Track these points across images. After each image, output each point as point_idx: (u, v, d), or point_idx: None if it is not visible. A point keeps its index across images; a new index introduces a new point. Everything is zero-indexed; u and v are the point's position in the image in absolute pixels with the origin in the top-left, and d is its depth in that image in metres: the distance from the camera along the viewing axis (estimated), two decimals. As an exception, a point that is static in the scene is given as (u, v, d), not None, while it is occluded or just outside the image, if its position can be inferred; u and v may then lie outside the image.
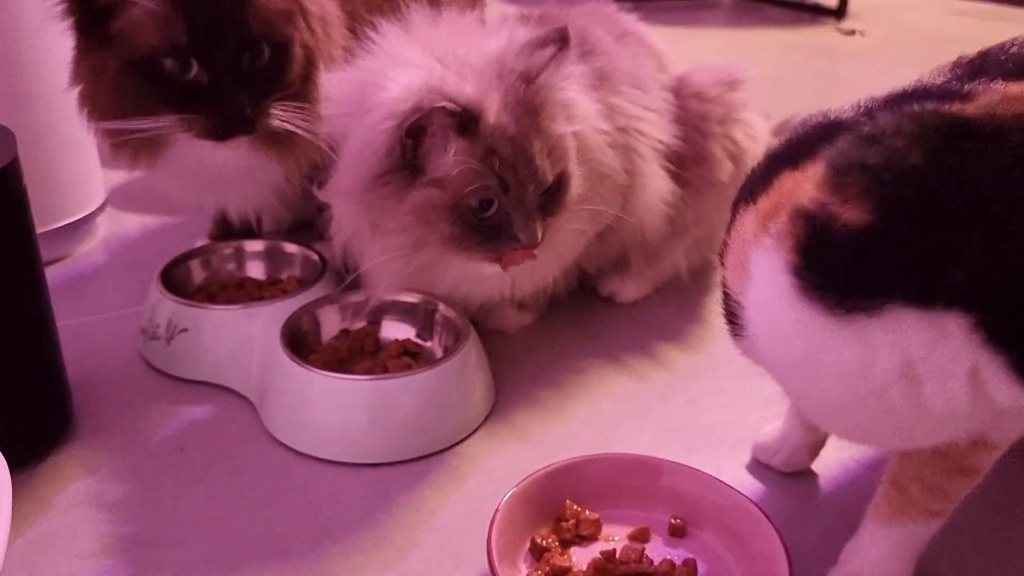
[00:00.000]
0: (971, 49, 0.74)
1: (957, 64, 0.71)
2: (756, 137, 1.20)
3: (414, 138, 0.88)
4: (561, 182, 0.93)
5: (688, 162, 1.13)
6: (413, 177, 0.89)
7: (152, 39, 0.94)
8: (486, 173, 0.88)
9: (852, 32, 2.70)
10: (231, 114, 0.96)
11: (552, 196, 0.93)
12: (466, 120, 0.87)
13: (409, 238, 0.92)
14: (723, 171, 1.15)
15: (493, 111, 0.88)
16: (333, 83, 1.00)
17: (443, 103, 0.85)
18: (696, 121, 1.13)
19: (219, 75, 0.95)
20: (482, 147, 0.87)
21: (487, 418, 0.99)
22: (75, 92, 1.04)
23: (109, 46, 0.96)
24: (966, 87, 0.63)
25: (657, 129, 1.09)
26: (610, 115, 1.03)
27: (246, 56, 0.97)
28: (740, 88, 1.18)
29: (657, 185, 1.09)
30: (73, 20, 0.97)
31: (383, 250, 0.94)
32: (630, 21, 1.17)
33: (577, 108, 0.97)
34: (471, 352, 0.98)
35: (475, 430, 0.97)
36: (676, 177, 1.12)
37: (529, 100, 0.90)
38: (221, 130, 0.97)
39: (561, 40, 0.91)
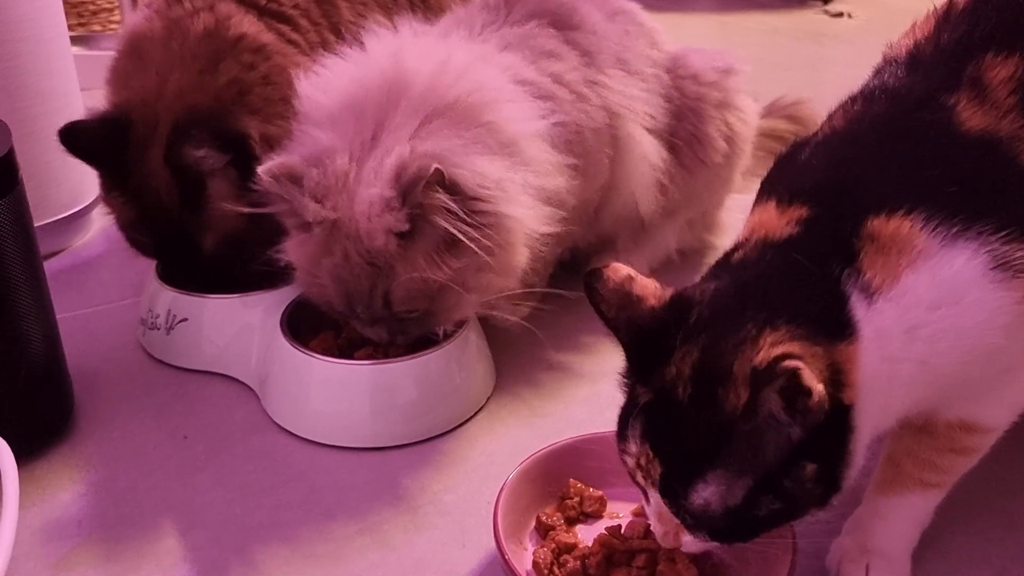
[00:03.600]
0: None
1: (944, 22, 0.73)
2: (748, 121, 1.22)
3: None
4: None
5: (683, 143, 1.14)
6: None
7: (127, 228, 1.06)
8: None
9: (840, 14, 2.70)
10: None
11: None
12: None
13: None
14: (718, 152, 1.17)
15: None
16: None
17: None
18: (693, 103, 1.15)
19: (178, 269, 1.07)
20: None
21: (488, 401, 1.00)
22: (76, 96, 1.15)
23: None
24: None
25: (641, 102, 1.10)
26: (593, 88, 1.04)
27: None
28: (735, 74, 1.20)
29: (646, 150, 1.10)
30: None
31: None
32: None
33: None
34: (471, 335, 0.99)
35: (476, 412, 0.98)
36: (669, 151, 1.13)
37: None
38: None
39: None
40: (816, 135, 0.74)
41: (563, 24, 1.05)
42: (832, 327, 0.61)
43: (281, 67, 1.04)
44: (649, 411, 0.64)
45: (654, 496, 0.65)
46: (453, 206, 0.84)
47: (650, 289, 0.67)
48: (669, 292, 0.67)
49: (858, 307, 0.61)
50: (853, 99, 0.74)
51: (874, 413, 0.62)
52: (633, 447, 0.65)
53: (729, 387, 0.59)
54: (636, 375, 0.66)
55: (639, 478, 0.66)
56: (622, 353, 0.67)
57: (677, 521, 0.65)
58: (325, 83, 0.94)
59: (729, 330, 0.61)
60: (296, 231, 0.92)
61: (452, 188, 0.85)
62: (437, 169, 0.83)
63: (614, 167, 1.08)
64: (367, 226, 0.85)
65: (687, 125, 1.14)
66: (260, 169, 0.88)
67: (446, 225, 0.85)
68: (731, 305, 0.63)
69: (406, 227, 0.85)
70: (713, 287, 0.66)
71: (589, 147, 1.03)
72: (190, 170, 0.98)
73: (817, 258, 0.63)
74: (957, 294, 0.61)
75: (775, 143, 1.41)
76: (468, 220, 0.86)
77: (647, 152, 1.10)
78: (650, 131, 1.10)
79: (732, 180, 1.24)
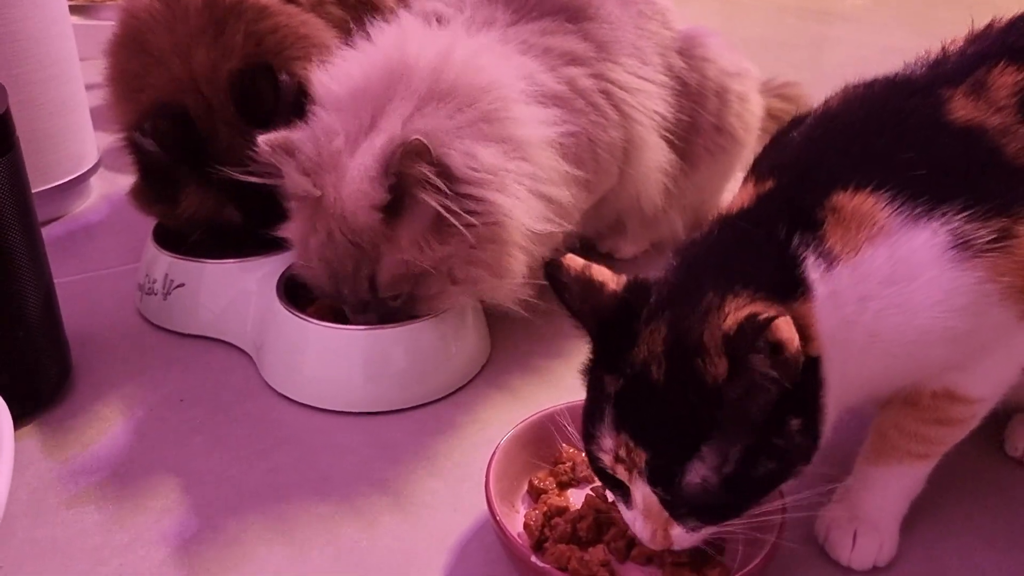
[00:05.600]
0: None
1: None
2: (758, 114, 1.24)
3: None
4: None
5: (708, 130, 1.15)
6: None
7: (209, 218, 1.04)
8: None
9: (844, -7, 2.69)
10: None
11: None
12: None
13: None
14: (737, 141, 1.19)
15: None
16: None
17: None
18: (715, 88, 1.15)
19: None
20: None
21: (483, 368, 1.00)
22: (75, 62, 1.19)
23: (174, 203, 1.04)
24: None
25: (657, 101, 1.09)
26: (609, 96, 1.03)
27: None
28: (751, 73, 1.22)
29: (655, 156, 1.10)
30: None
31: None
32: None
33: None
34: (467, 305, 0.99)
35: (471, 379, 0.98)
36: (684, 147, 1.13)
37: None
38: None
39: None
40: (809, 115, 0.75)
41: (579, 16, 1.04)
42: (785, 287, 0.62)
43: (284, 24, 1.04)
44: (621, 399, 0.63)
45: (639, 490, 0.64)
46: (436, 180, 0.84)
47: (607, 275, 0.68)
48: (624, 277, 0.68)
49: (813, 269, 0.62)
50: (857, 84, 0.75)
51: (838, 371, 0.63)
52: (608, 441, 0.64)
53: (705, 357, 0.59)
54: (603, 364, 0.66)
55: (620, 472, 0.64)
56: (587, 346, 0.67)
57: (666, 515, 0.64)
58: (336, 72, 0.95)
59: (692, 302, 0.62)
60: (292, 207, 0.92)
61: (440, 168, 0.84)
62: (418, 139, 0.82)
63: (623, 171, 1.08)
64: (352, 205, 0.86)
65: (713, 113, 1.15)
66: (260, 139, 0.89)
67: (428, 200, 0.84)
68: (689, 278, 0.64)
69: (386, 198, 0.85)
70: (669, 266, 0.67)
71: (600, 161, 1.03)
72: (274, 109, 0.97)
73: (763, 224, 0.65)
74: (913, 272, 0.62)
75: (768, 122, 1.42)
76: (454, 201, 0.85)
77: (658, 159, 1.10)
78: (663, 131, 1.10)
79: (737, 167, 1.25)
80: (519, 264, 0.92)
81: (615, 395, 0.64)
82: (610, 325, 0.65)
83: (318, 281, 0.93)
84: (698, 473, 0.61)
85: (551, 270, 0.68)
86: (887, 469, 0.75)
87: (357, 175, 0.85)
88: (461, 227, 0.86)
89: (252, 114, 0.98)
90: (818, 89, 1.43)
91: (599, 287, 0.66)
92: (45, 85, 1.23)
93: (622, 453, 0.63)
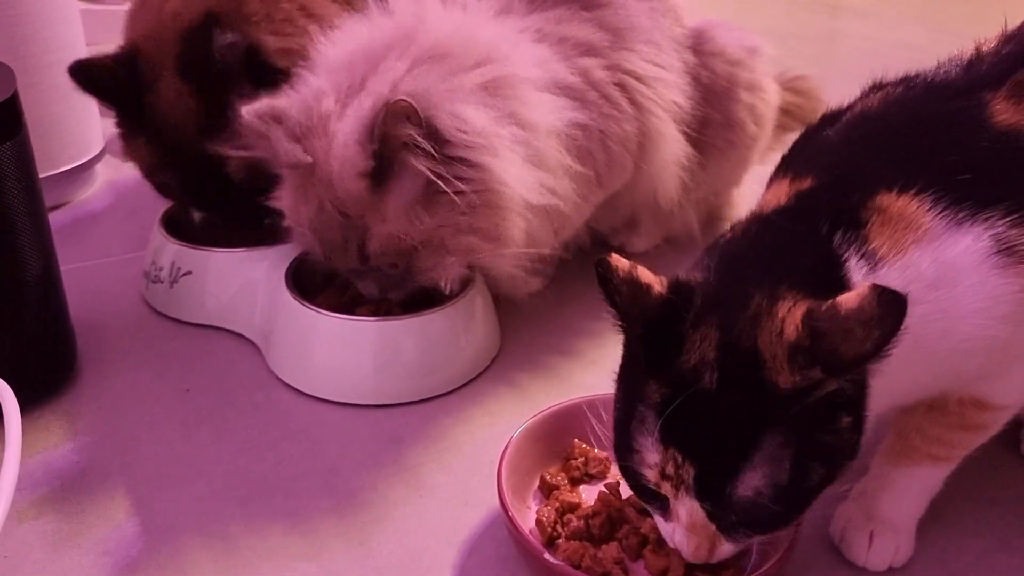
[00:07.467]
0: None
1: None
2: (771, 103, 1.22)
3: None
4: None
5: (715, 125, 1.13)
6: None
7: (152, 174, 1.05)
8: None
9: (854, -12, 2.67)
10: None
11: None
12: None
13: None
14: (748, 135, 1.17)
15: None
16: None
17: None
18: (725, 84, 1.13)
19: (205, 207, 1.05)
20: None
21: (493, 361, 0.99)
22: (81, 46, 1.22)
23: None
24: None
25: (674, 90, 1.07)
26: (623, 88, 1.01)
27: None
28: (761, 54, 1.19)
29: (672, 149, 1.08)
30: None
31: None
32: None
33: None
34: (477, 297, 0.98)
35: (481, 372, 0.97)
36: (696, 140, 1.11)
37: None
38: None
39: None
40: (845, 112, 0.73)
41: (594, 3, 1.02)
42: (827, 289, 0.59)
43: None
44: (667, 409, 0.60)
45: (687, 505, 0.61)
46: (423, 143, 0.80)
47: (652, 276, 0.65)
48: (665, 278, 0.65)
49: (856, 271, 0.61)
50: (896, 83, 0.73)
51: (878, 375, 0.60)
52: (653, 456, 0.61)
53: (763, 363, 0.57)
54: (648, 369, 0.62)
55: (665, 489, 0.62)
56: (625, 350, 0.65)
57: (712, 528, 0.62)
58: (339, 36, 0.92)
59: (740, 305, 0.59)
60: (283, 176, 0.91)
61: (428, 130, 0.81)
62: (403, 100, 0.79)
63: (638, 166, 1.05)
64: (339, 171, 0.83)
65: (720, 108, 1.13)
66: (243, 108, 0.86)
67: (416, 164, 0.81)
68: (732, 280, 0.62)
69: (371, 164, 0.82)
70: (707, 266, 0.64)
71: (612, 155, 1.01)
72: (216, 71, 0.94)
73: (804, 223, 0.63)
74: (956, 277, 0.61)
75: (781, 116, 1.41)
76: (443, 166, 0.82)
77: (675, 152, 1.08)
78: (679, 122, 1.08)
79: (752, 159, 1.24)
80: (517, 230, 0.89)
81: (662, 406, 0.60)
82: (657, 328, 0.62)
83: (310, 250, 0.91)
84: (750, 485, 0.58)
85: (602, 270, 0.65)
86: (906, 470, 0.73)
87: (343, 140, 0.83)
88: (452, 194, 0.83)
89: (188, 69, 0.96)
90: (828, 83, 1.43)
91: (646, 289, 0.63)
92: (51, 69, 1.21)
93: (669, 469, 0.60)
